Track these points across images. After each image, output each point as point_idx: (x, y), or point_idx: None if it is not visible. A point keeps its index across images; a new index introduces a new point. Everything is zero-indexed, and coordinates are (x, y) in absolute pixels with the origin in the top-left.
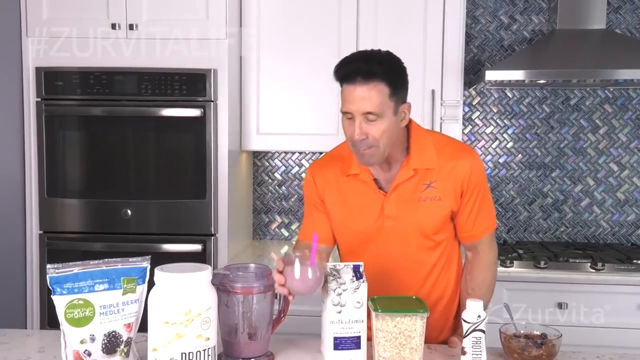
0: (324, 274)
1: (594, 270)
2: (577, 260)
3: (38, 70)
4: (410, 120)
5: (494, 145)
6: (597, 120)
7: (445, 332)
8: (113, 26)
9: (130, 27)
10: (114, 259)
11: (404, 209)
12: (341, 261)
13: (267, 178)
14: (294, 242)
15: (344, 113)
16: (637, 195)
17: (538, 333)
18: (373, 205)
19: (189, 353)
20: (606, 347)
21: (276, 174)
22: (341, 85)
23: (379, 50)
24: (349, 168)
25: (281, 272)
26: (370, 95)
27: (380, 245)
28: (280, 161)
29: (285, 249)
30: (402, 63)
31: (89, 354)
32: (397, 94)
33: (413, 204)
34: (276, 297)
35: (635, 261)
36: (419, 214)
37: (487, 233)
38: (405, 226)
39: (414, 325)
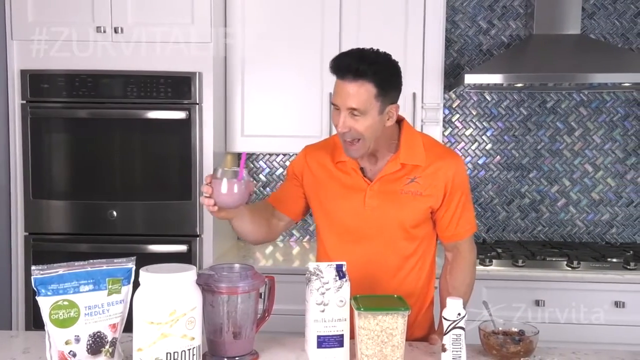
0: (250, 190)
1: (570, 269)
2: (554, 259)
3: (23, 72)
4: (402, 119)
5: (473, 147)
6: (572, 123)
7: (414, 328)
8: (98, 29)
9: (116, 30)
10: (99, 260)
11: (385, 199)
12: (321, 244)
13: (251, 179)
14: (278, 242)
15: (333, 104)
16: (611, 195)
17: (516, 330)
18: (357, 192)
19: (174, 353)
20: (582, 343)
21: (261, 176)
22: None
23: (377, 50)
24: (340, 155)
25: (207, 185)
26: (356, 92)
27: (360, 232)
28: (265, 163)
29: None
30: (397, 65)
31: (74, 355)
32: (385, 95)
33: (394, 195)
34: (260, 297)
35: (609, 259)
36: (399, 206)
37: (469, 234)
38: (385, 216)
39: (396, 323)
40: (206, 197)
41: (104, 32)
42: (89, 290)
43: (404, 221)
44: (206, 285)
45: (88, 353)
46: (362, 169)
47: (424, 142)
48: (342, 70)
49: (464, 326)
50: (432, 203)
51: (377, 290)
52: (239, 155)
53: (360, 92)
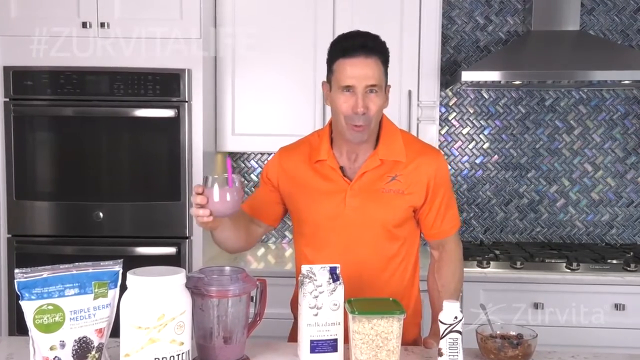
0: (242, 196)
1: (569, 270)
2: (553, 261)
3: (6, 69)
4: (382, 114)
5: (470, 146)
6: (571, 121)
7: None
8: (84, 25)
9: (102, 25)
10: (85, 263)
11: (366, 199)
12: (300, 247)
13: (243, 179)
14: (270, 244)
15: (344, 87)
16: (610, 195)
17: (514, 333)
18: (337, 192)
19: (163, 358)
20: (581, 346)
21: (252, 175)
22: (334, 61)
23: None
24: (318, 154)
25: (200, 194)
26: (372, 68)
27: (341, 233)
28: (256, 162)
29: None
30: None
31: None
32: (386, 72)
33: (376, 194)
34: (252, 300)
35: (609, 261)
36: (381, 205)
37: (454, 230)
38: (366, 216)
39: (391, 327)
40: (198, 207)
41: (90, 27)
42: (75, 294)
43: (387, 221)
44: (196, 288)
45: (74, 359)
46: (341, 168)
47: (404, 138)
48: (354, 49)
49: (460, 330)
50: (414, 202)
51: (359, 292)
52: (224, 161)
53: (375, 68)
